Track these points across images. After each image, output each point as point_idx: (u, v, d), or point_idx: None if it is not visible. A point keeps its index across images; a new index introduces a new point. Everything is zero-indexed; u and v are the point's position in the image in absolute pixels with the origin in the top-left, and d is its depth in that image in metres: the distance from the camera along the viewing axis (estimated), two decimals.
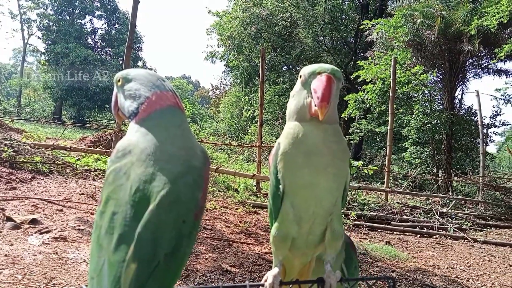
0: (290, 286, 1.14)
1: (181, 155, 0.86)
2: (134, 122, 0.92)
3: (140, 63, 34.96)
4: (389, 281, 1.03)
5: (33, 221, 3.41)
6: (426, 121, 11.01)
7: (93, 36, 34.34)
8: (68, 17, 32.48)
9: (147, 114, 0.90)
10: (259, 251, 3.94)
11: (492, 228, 6.78)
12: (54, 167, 5.65)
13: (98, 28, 34.38)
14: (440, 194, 8.83)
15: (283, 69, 22.48)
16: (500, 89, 13.10)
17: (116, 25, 34.12)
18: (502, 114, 13.79)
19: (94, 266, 0.76)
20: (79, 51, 28.42)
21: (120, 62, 29.20)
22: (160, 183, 0.79)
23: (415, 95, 12.09)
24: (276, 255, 1.11)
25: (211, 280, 2.91)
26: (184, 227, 0.81)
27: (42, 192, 4.46)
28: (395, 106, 8.96)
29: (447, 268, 4.23)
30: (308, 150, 0.96)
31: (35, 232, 3.21)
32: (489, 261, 4.71)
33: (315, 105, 0.93)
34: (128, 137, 0.89)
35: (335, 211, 1.05)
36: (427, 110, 11.46)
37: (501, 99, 13.08)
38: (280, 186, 1.02)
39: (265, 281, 1.02)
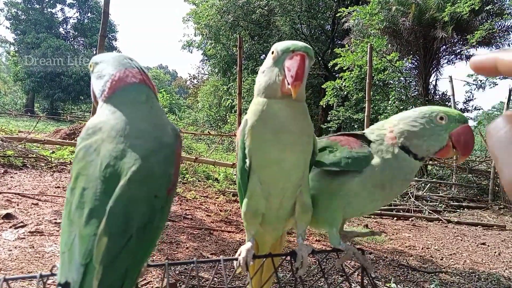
0: (263, 259, 1.16)
1: (152, 131, 0.86)
2: (101, 101, 0.91)
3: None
4: (359, 251, 1.10)
5: (7, 216, 3.33)
6: (402, 107, 11.21)
7: (64, 26, 33.30)
8: (37, 6, 31.30)
9: (112, 92, 0.90)
10: (240, 238, 3.97)
11: (465, 209, 7.04)
12: (27, 160, 5.50)
13: (70, 17, 33.37)
14: (416, 178, 9.07)
15: (261, 57, 22.27)
16: (472, 75, 13.36)
17: (89, 14, 33.16)
18: (475, 99, 14.15)
19: (65, 241, 0.76)
20: (50, 41, 27.49)
21: (94, 52, 28.38)
22: (131, 159, 0.79)
23: (391, 81, 12.28)
24: (248, 230, 1.12)
25: (191, 268, 2.92)
26: (156, 202, 0.81)
27: (16, 186, 4.35)
28: (371, 93, 9.10)
29: (422, 249, 4.38)
30: (277, 128, 0.97)
31: (10, 227, 3.14)
32: (461, 240, 4.90)
33: (288, 84, 0.93)
34: (97, 115, 0.89)
35: (303, 184, 1.07)
36: (402, 97, 11.67)
37: (473, 84, 13.37)
38: (247, 160, 1.02)
39: (239, 255, 1.04)
